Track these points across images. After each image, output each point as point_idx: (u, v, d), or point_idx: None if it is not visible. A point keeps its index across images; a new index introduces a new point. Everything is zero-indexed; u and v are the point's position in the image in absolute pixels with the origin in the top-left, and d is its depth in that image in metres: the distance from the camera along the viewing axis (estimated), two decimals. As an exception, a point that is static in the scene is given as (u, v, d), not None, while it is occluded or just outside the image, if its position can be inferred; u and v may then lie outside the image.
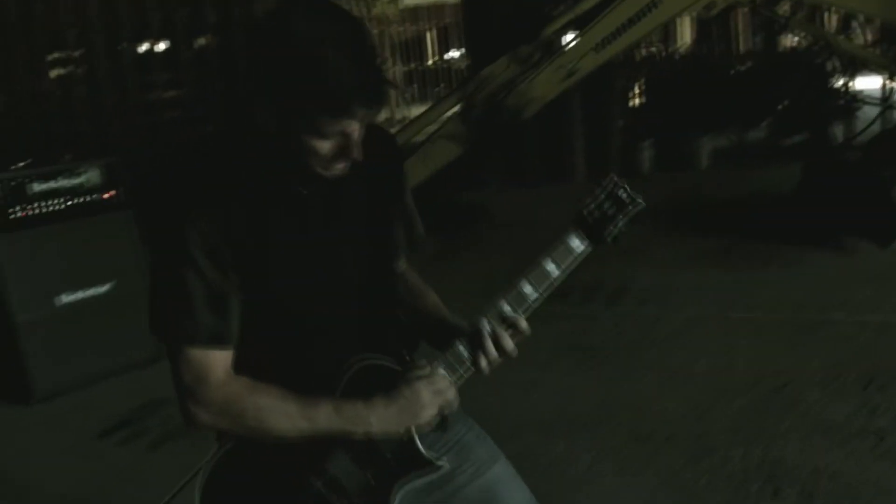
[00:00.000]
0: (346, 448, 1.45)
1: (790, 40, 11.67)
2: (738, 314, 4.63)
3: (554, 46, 7.25)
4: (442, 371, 1.48)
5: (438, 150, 7.50)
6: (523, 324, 1.52)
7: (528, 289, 1.52)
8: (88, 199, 4.60)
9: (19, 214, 4.35)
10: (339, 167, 1.38)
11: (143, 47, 10.92)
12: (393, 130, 10.64)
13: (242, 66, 1.33)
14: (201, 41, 10.74)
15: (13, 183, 4.35)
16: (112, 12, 9.86)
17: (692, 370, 3.97)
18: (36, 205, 4.40)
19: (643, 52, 13.10)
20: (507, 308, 1.51)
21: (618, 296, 5.24)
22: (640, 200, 1.58)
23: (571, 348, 4.45)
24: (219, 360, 1.40)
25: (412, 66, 23.04)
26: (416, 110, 13.33)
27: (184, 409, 1.41)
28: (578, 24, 7.08)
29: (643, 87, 11.37)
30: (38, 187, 4.44)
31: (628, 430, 3.44)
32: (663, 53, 13.12)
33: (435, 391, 1.45)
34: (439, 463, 1.50)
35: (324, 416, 1.39)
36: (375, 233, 1.53)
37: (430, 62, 23.82)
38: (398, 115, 19.22)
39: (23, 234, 4.28)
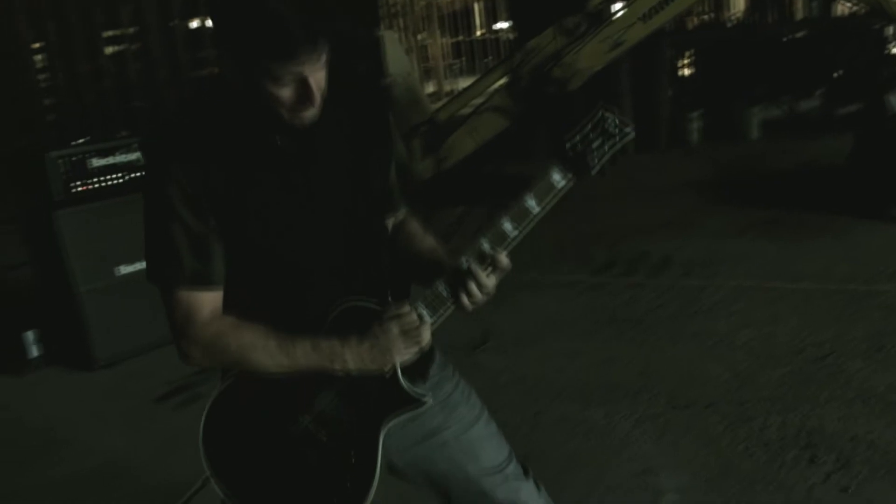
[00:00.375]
0: (333, 386, 1.53)
1: (846, 6, 11.39)
2: (783, 284, 4.63)
3: (601, 16, 7.23)
4: (422, 311, 1.52)
5: (485, 123, 7.57)
6: (503, 260, 1.52)
7: (508, 226, 1.51)
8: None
9: (80, 189, 4.53)
10: (306, 115, 1.44)
11: (194, 24, 11.12)
12: (440, 103, 10.71)
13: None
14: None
15: (74, 158, 4.53)
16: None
17: (735, 339, 4.00)
18: (95, 179, 4.57)
19: (694, 20, 12.92)
20: (486, 246, 1.51)
21: (662, 267, 5.25)
22: (628, 130, 1.53)
23: (615, 319, 4.50)
24: (205, 301, 1.52)
25: (460, 37, 22.98)
26: (465, 82, 13.33)
27: (177, 346, 1.55)
28: (626, -6, 7.05)
29: (693, 57, 11.22)
30: (97, 162, 4.61)
31: (668, 397, 3.50)
32: (715, 21, 12.93)
33: (404, 330, 1.50)
34: (424, 399, 1.56)
35: (301, 353, 1.49)
36: (359, 182, 1.58)
37: (478, 34, 23.72)
38: (447, 88, 19.24)
39: (84, 207, 4.45)
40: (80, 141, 4.81)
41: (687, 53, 11.20)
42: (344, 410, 1.54)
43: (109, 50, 11.91)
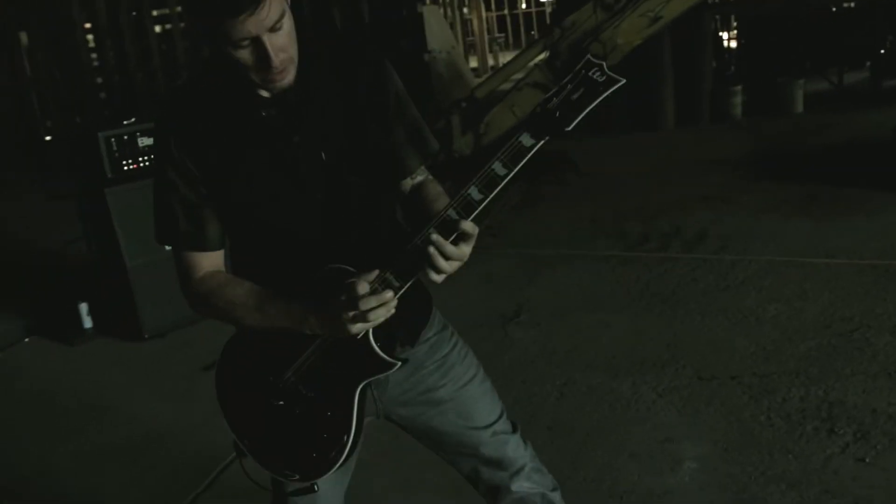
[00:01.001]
0: (315, 344, 1.63)
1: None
2: (815, 260, 4.64)
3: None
4: (390, 277, 1.50)
5: (524, 99, 7.61)
6: (467, 225, 1.45)
7: (475, 193, 1.44)
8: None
9: (131, 167, 4.72)
10: (274, 78, 1.50)
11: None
12: (482, 78, 10.72)
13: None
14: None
15: (125, 137, 4.71)
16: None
17: (763, 314, 4.05)
18: (144, 158, 4.75)
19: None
20: (452, 213, 1.46)
21: (696, 242, 5.29)
22: (618, 77, 1.39)
23: (646, 293, 4.57)
24: (200, 261, 1.68)
25: (504, 11, 22.86)
26: (509, 57, 13.30)
27: (183, 297, 1.72)
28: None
29: (737, 29, 11.08)
30: (146, 141, 4.78)
31: (694, 369, 3.57)
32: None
33: (351, 298, 1.48)
34: (395, 361, 1.61)
35: (276, 314, 1.60)
36: (348, 146, 1.62)
37: (522, 7, 23.56)
38: (490, 62, 19.18)
39: (133, 185, 4.63)
40: (132, 121, 4.96)
41: (733, 25, 11.06)
42: (323, 369, 1.64)
43: (157, 29, 12.18)
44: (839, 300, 4.08)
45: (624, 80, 1.39)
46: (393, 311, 1.51)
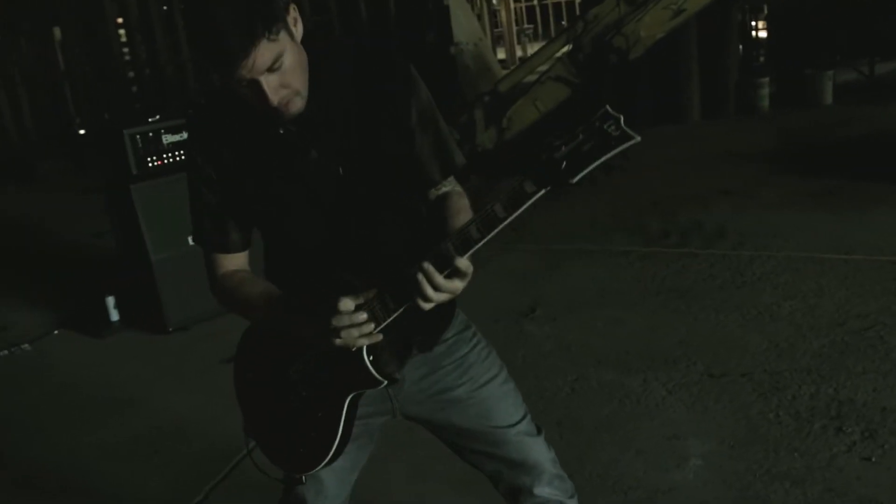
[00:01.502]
0: (316, 348, 1.67)
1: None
2: (834, 256, 4.62)
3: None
4: (387, 299, 1.52)
5: (547, 92, 7.62)
6: (461, 263, 1.44)
7: (474, 232, 1.43)
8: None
9: (156, 163, 4.82)
10: (278, 113, 1.52)
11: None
12: (507, 71, 10.70)
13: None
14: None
15: (151, 134, 4.82)
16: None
17: (779, 311, 4.05)
18: (168, 154, 4.85)
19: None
20: (450, 248, 1.44)
21: (716, 237, 5.29)
22: (633, 134, 1.31)
23: (662, 288, 4.59)
24: (223, 262, 1.79)
25: (533, 1, 22.75)
26: (537, 48, 13.26)
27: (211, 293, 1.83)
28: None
29: (766, 19, 10.96)
30: (170, 138, 4.89)
31: (705, 366, 3.59)
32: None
33: (327, 313, 1.51)
34: (382, 380, 1.61)
35: (280, 320, 1.67)
36: (361, 160, 1.64)
37: (552, -3, 23.42)
38: (519, 54, 19.15)
39: (157, 181, 4.74)
40: (156, 118, 5.07)
41: (760, 16, 10.95)
42: (320, 373, 1.68)
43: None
44: (855, 297, 4.07)
45: (638, 139, 1.31)
46: (374, 337, 1.53)
